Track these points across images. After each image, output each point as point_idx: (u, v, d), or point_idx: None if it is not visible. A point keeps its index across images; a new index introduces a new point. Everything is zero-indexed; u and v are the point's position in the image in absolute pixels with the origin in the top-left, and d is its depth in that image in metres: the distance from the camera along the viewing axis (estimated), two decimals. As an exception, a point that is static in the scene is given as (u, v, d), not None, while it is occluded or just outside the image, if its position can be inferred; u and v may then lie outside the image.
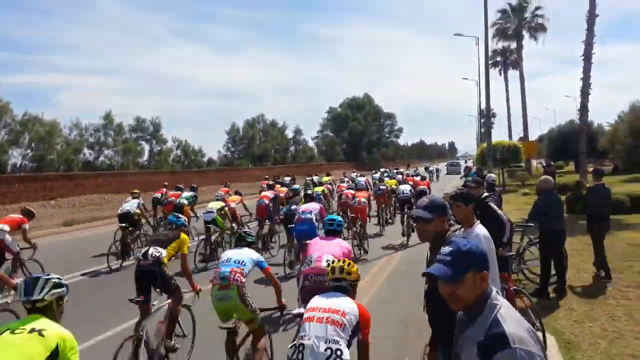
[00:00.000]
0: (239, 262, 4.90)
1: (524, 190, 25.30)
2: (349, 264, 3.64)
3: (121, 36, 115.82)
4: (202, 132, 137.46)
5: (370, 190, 16.90)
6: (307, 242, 5.88)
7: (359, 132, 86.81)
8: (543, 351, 1.79)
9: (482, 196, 5.56)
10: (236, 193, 14.90)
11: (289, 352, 3.17)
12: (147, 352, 4.78)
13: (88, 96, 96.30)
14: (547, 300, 7.04)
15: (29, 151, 37.04)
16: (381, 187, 15.37)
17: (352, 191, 13.86)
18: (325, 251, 5.02)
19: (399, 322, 6.49)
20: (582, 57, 20.33)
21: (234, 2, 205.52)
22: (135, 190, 13.00)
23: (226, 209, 12.01)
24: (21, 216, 8.96)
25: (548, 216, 7.48)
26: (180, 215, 6.28)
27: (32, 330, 2.52)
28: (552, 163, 17.73)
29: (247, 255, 5.03)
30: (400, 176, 20.72)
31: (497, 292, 1.94)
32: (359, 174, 23.34)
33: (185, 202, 12.60)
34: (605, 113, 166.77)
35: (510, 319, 1.82)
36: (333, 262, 3.81)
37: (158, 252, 5.33)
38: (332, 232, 5.52)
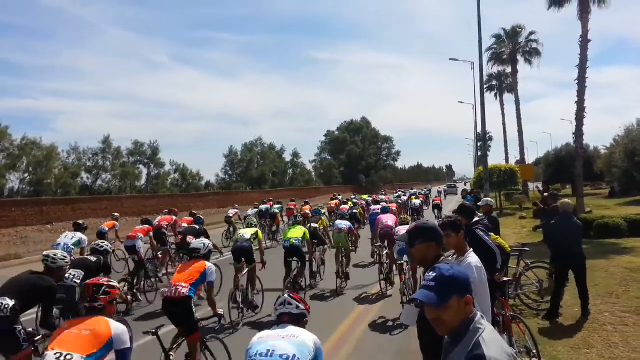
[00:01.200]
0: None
1: (521, 213, 25.33)
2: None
3: (120, 61, 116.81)
4: (200, 156, 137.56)
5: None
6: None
7: (357, 155, 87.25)
8: None
9: (472, 222, 5.51)
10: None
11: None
12: None
13: (87, 121, 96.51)
14: (555, 322, 7.11)
15: (26, 175, 37.04)
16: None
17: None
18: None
19: (394, 352, 6.45)
20: (576, 81, 20.61)
21: (231, 28, 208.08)
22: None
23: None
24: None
25: (567, 239, 7.46)
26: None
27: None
28: (549, 187, 17.78)
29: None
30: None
31: (481, 316, 1.99)
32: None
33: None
34: (601, 136, 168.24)
35: (492, 342, 1.87)
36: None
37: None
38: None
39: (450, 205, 31.90)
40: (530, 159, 77.03)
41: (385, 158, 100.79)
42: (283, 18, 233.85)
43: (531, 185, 44.61)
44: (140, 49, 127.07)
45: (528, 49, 39.04)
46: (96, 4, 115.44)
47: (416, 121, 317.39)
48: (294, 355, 2.88)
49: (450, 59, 39.11)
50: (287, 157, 74.54)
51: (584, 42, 20.63)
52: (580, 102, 20.62)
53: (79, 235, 9.51)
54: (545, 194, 12.78)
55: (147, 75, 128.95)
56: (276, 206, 20.99)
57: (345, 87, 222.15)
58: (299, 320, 3.23)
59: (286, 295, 3.33)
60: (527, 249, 9.11)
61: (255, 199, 43.82)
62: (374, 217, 13.52)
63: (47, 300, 4.89)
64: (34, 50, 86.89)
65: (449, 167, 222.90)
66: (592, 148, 44.77)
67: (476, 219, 5.75)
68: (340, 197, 26.93)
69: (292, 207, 22.61)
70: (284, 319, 3.19)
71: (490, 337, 1.89)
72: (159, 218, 12.98)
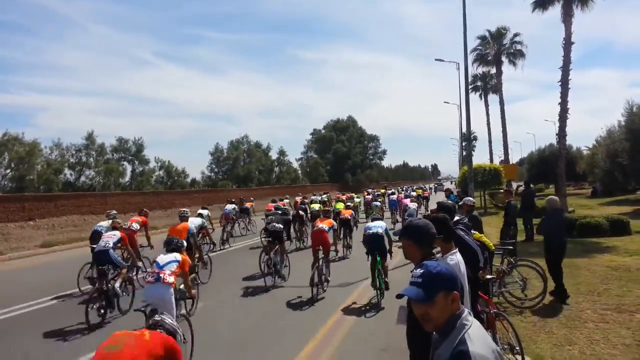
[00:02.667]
0: None
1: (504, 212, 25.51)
2: None
3: (105, 57, 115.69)
4: (186, 153, 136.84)
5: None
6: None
7: (343, 153, 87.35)
8: None
9: (453, 221, 5.49)
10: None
11: None
12: None
13: (70, 117, 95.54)
14: (538, 319, 7.26)
15: (8, 171, 36.48)
16: None
17: None
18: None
19: (380, 349, 6.48)
20: (560, 83, 20.88)
21: (218, 26, 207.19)
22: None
23: None
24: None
25: (556, 231, 8.54)
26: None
27: None
28: (531, 185, 18.14)
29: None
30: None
31: (469, 312, 2.03)
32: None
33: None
34: (584, 137, 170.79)
35: (477, 338, 1.91)
36: None
37: None
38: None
39: (439, 197, 32.24)
40: (514, 158, 77.98)
41: (371, 157, 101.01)
42: (271, 17, 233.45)
43: (515, 185, 45.05)
44: (125, 45, 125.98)
45: (512, 51, 39.50)
46: (79, 1, 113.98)
47: (402, 121, 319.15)
48: (382, 226, 9.24)
49: (436, 60, 39.43)
50: (274, 155, 74.46)
51: (567, 44, 20.92)
52: (564, 104, 20.91)
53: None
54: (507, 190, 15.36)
55: (132, 72, 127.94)
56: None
57: (332, 86, 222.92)
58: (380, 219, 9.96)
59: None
60: (511, 247, 9.21)
61: (241, 196, 43.69)
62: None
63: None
64: (16, 46, 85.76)
65: (434, 167, 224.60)
66: (575, 149, 45.30)
67: (456, 218, 5.73)
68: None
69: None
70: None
71: (476, 334, 1.93)
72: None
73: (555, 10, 22.18)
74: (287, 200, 23.36)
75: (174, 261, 6.00)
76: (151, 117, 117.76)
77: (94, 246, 9.56)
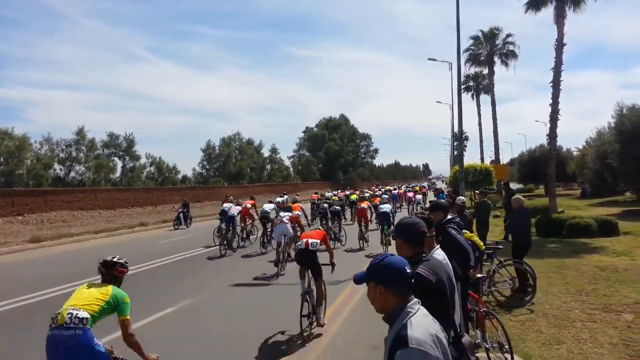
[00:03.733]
0: None
1: (494, 212, 25.67)
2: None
3: (97, 52, 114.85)
4: (177, 149, 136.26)
5: None
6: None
7: (335, 152, 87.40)
8: (445, 357, 2.02)
9: (444, 220, 5.51)
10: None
11: None
12: None
13: (61, 112, 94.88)
14: (527, 318, 7.29)
15: (-3, 166, 36.10)
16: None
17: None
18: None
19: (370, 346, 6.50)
20: (551, 84, 20.97)
21: (212, 22, 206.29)
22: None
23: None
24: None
25: (521, 230, 9.06)
26: None
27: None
28: (509, 183, 18.53)
29: None
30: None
31: (416, 301, 2.14)
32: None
33: None
34: (574, 139, 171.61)
35: (419, 325, 2.03)
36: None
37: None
38: None
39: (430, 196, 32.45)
40: (504, 159, 78.40)
41: (363, 155, 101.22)
42: (265, 13, 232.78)
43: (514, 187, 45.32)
44: (117, 40, 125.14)
45: (505, 51, 39.61)
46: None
47: (395, 120, 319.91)
48: (389, 207, 15.84)
49: (429, 59, 39.17)
50: (266, 152, 74.31)
51: (560, 45, 21.00)
52: (555, 105, 20.99)
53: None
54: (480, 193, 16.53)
55: (124, 68, 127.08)
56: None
57: (326, 85, 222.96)
58: (387, 202, 18.16)
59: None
60: (501, 246, 9.27)
61: (232, 194, 43.49)
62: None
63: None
64: (7, 39, 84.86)
65: (426, 166, 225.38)
66: (565, 150, 45.66)
67: (449, 217, 5.75)
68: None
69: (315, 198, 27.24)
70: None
71: (418, 320, 2.05)
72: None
73: (548, 11, 22.23)
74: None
75: (288, 215, 12.04)
76: (143, 113, 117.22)
77: (222, 218, 15.92)
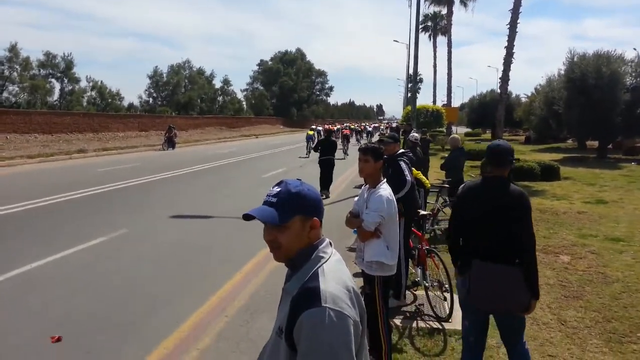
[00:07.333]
0: None
1: (443, 154, 26.00)
2: None
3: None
4: (122, 75, 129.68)
5: None
6: None
7: (290, 87, 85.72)
8: (362, 317, 1.53)
9: (397, 153, 5.34)
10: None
11: None
12: None
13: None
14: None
15: None
16: None
17: None
18: None
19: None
20: (508, 25, 20.76)
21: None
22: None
23: None
24: None
25: (457, 169, 9.47)
26: None
27: None
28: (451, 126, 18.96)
29: None
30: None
31: (329, 243, 1.65)
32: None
33: None
34: (523, 86, 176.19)
35: (332, 274, 1.54)
36: None
37: None
38: None
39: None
40: (455, 103, 79.32)
41: (318, 93, 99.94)
42: None
43: (454, 128, 46.04)
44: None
45: (465, -9, 39.00)
46: None
47: (351, 58, 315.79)
48: None
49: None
50: (217, 83, 71.89)
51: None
52: (510, 47, 20.91)
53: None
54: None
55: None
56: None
57: (281, 17, 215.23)
58: None
59: None
60: (447, 185, 9.19)
61: (180, 124, 41.96)
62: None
63: None
64: None
65: (379, 107, 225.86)
66: (515, 96, 46.54)
67: (402, 150, 5.57)
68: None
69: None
70: None
71: (332, 268, 1.57)
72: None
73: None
74: None
75: None
76: (83, 33, 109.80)
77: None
